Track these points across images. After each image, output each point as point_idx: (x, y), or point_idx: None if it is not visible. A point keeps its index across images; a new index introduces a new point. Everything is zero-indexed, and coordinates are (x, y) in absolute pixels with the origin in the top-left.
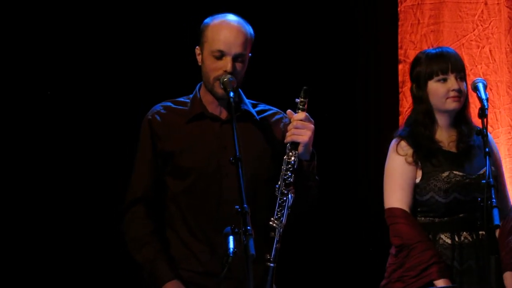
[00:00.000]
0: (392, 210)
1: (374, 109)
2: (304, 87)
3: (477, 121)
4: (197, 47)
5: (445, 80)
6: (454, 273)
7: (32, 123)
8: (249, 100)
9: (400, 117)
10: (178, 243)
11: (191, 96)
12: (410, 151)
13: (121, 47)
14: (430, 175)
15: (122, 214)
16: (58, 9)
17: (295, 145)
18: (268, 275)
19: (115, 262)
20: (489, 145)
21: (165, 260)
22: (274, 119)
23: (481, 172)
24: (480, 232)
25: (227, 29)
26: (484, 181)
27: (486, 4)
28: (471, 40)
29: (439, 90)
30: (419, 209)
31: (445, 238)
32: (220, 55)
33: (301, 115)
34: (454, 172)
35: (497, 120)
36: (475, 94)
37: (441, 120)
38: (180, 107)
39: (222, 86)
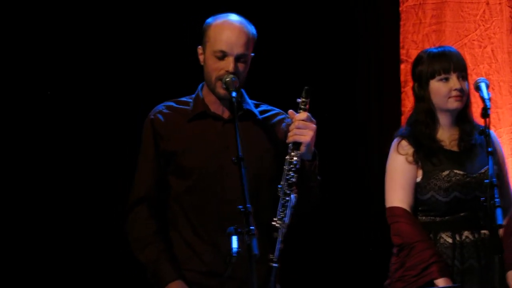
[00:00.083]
0: (393, 209)
1: (376, 109)
2: (306, 87)
3: (479, 121)
4: (199, 46)
5: (447, 79)
6: (455, 272)
7: (32, 123)
8: (251, 101)
9: (402, 117)
10: (181, 243)
11: (193, 95)
12: (410, 150)
13: (123, 47)
14: (430, 174)
15: (125, 214)
16: (58, 9)
17: (297, 145)
18: (272, 275)
19: (117, 262)
20: (492, 144)
21: (168, 260)
22: (276, 119)
23: (482, 170)
24: (482, 231)
25: (229, 29)
26: (487, 181)
27: (488, 4)
28: (473, 40)
29: (441, 90)
30: (420, 208)
31: (446, 237)
32: (222, 56)
33: (303, 115)
34: (455, 171)
35: (499, 119)
36: (477, 94)
37: (443, 119)
38: (182, 106)
39: (224, 86)
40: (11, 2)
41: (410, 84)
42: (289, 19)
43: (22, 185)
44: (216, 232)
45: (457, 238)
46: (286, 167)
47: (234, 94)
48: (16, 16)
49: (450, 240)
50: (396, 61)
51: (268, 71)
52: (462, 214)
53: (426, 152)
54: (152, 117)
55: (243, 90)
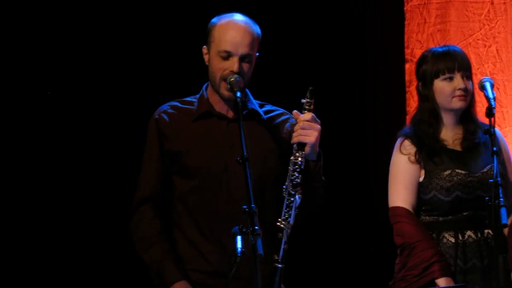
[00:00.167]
0: (395, 209)
1: (381, 108)
2: (310, 88)
3: (484, 120)
4: (204, 46)
5: (451, 78)
6: (458, 272)
7: (32, 123)
8: (256, 101)
9: (407, 116)
10: (186, 243)
11: (198, 95)
12: (413, 150)
13: (125, 47)
14: (432, 173)
15: (129, 214)
16: (59, 9)
17: (301, 145)
18: (276, 276)
19: (119, 262)
20: (498, 143)
21: (172, 261)
22: (280, 119)
23: (485, 170)
24: (486, 231)
25: (234, 29)
26: (492, 180)
27: (492, 3)
28: (478, 39)
29: (445, 89)
30: (423, 208)
31: (449, 237)
32: (227, 55)
33: (308, 115)
34: (457, 170)
35: (504, 119)
36: (482, 93)
37: (447, 119)
38: (187, 106)
39: (229, 86)
40: (11, 2)
41: (415, 83)
42: (294, 19)
43: (23, 185)
44: (221, 232)
45: (460, 237)
46: (290, 168)
47: (238, 94)
48: (16, 16)
49: (452, 240)
50: (401, 60)
51: (273, 71)
52: (465, 213)
53: (429, 151)
54: (157, 117)
55: (247, 90)
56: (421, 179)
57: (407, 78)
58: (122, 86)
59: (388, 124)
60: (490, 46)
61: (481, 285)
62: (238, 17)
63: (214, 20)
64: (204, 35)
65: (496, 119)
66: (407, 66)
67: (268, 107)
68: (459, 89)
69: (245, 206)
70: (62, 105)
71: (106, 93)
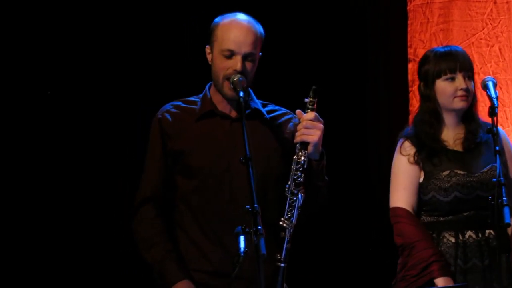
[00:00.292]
0: (396, 209)
1: (384, 108)
2: (313, 87)
3: (487, 119)
4: (207, 46)
5: (453, 79)
6: (458, 271)
7: (32, 123)
8: (259, 100)
9: (410, 116)
10: (188, 243)
11: (201, 95)
12: (412, 151)
13: (126, 48)
14: (431, 174)
15: (131, 214)
16: (59, 9)
17: (304, 145)
18: (279, 275)
19: (119, 262)
20: (500, 142)
21: (174, 261)
22: (283, 119)
23: (485, 170)
24: (487, 231)
25: (237, 28)
26: (495, 179)
27: (495, 2)
28: (481, 39)
29: (447, 89)
30: (424, 208)
31: (449, 237)
32: (230, 54)
33: (310, 114)
34: (455, 170)
35: (507, 118)
36: (484, 92)
37: (448, 119)
38: (190, 106)
39: (232, 86)
40: (11, 2)
41: (418, 83)
42: (297, 19)
43: (23, 185)
44: (223, 232)
45: (460, 237)
46: (293, 167)
47: (241, 93)
48: (16, 16)
49: (453, 240)
50: (404, 60)
51: (276, 70)
52: (465, 213)
53: (428, 152)
54: (160, 116)
55: (250, 90)
56: (421, 179)
57: (409, 77)
58: (122, 86)
59: (391, 124)
60: (493, 46)
61: (482, 285)
62: (241, 16)
63: (217, 19)
64: (204, 35)
65: (499, 118)
66: (410, 65)
67: (271, 106)
68: (461, 89)
69: (248, 206)
70: (62, 105)
71: (106, 93)
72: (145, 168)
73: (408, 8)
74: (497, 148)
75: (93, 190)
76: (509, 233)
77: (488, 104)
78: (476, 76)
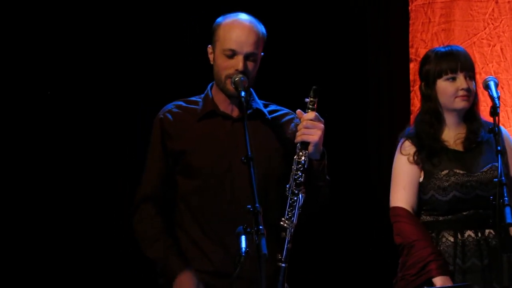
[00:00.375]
0: (395, 209)
1: (385, 108)
2: (314, 87)
3: (488, 119)
4: (209, 46)
5: (454, 79)
6: (457, 271)
7: (32, 123)
8: (260, 101)
9: (412, 116)
10: (188, 243)
11: (202, 95)
12: (412, 150)
13: (126, 48)
14: (430, 174)
15: (131, 212)
16: (59, 9)
17: (305, 144)
18: (280, 275)
19: (120, 262)
20: (502, 142)
21: (175, 255)
22: (285, 119)
23: (485, 169)
24: (487, 231)
25: (239, 28)
26: (496, 179)
27: (497, 2)
28: (482, 39)
29: (448, 89)
30: (424, 208)
31: (448, 236)
32: (232, 54)
33: (311, 114)
34: (454, 170)
35: (508, 118)
36: (486, 92)
37: (449, 119)
38: (191, 106)
39: (233, 86)
40: (11, 2)
41: (419, 83)
42: (299, 18)
43: (23, 185)
44: (224, 232)
45: (459, 237)
46: (294, 167)
47: (243, 94)
48: (16, 16)
49: (452, 239)
50: (405, 60)
51: (277, 71)
52: (464, 213)
53: (428, 152)
54: (161, 116)
55: (252, 90)
56: (421, 179)
57: (411, 77)
58: (123, 86)
59: (392, 124)
60: (494, 45)
61: (481, 285)
62: (243, 16)
63: (219, 19)
64: (204, 35)
65: (500, 118)
66: (411, 65)
67: (272, 107)
68: (462, 89)
69: (249, 206)
70: (62, 105)
71: (106, 93)
72: (146, 168)
73: (409, 8)
74: (498, 148)
75: (93, 190)
76: (511, 233)
77: (490, 104)
78: (477, 76)
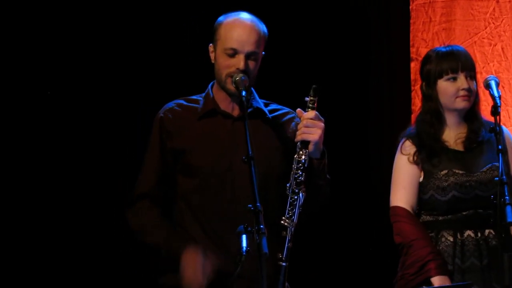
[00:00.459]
0: (395, 208)
1: (386, 107)
2: (314, 86)
3: (489, 119)
4: (210, 44)
5: (454, 79)
6: (456, 270)
7: (32, 123)
8: (261, 100)
9: (413, 115)
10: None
11: (203, 94)
12: (413, 150)
13: (126, 48)
14: (430, 174)
15: (127, 208)
16: (59, 9)
17: (305, 143)
18: (281, 274)
19: (120, 262)
20: (503, 141)
21: (177, 236)
22: (285, 118)
23: (484, 169)
24: (487, 231)
25: (240, 27)
26: (497, 178)
27: (498, 2)
28: (483, 38)
29: (449, 89)
30: (424, 208)
31: (448, 236)
32: (233, 53)
33: (311, 113)
34: (454, 170)
35: (509, 117)
36: (487, 92)
37: (450, 119)
38: (192, 104)
39: (234, 85)
40: (11, 2)
41: (420, 82)
42: (300, 17)
43: (23, 185)
44: (224, 231)
45: (459, 236)
46: (294, 166)
47: (244, 93)
48: (16, 16)
49: (451, 239)
50: (406, 59)
51: (278, 70)
52: (464, 213)
53: (428, 152)
54: (162, 115)
55: (252, 89)
56: (421, 179)
57: (412, 77)
58: (123, 86)
59: (393, 123)
60: (495, 45)
61: (481, 285)
62: (245, 15)
63: (220, 18)
64: (204, 35)
65: (501, 117)
66: (412, 64)
67: (273, 106)
68: (463, 89)
69: (250, 205)
70: (62, 105)
71: (106, 93)
72: (142, 168)
73: (410, 7)
74: (499, 147)
75: (93, 189)
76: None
77: (491, 103)
78: (478, 75)
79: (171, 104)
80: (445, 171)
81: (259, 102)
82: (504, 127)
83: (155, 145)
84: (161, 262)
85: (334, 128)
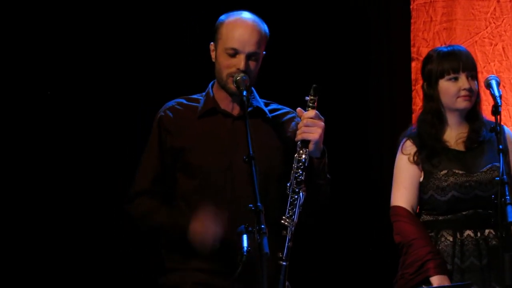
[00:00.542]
0: (395, 208)
1: (386, 107)
2: (314, 85)
3: (490, 118)
4: (211, 43)
5: (456, 79)
6: (455, 270)
7: (32, 123)
8: (261, 99)
9: (413, 115)
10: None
11: (204, 93)
12: (413, 150)
13: (126, 48)
14: (430, 174)
15: (124, 205)
16: (59, 9)
17: (305, 143)
18: (281, 274)
19: (117, 262)
20: (504, 141)
21: (180, 213)
22: (286, 118)
23: (484, 169)
24: (487, 231)
25: (241, 27)
26: (498, 178)
27: (498, 1)
28: (484, 38)
29: (450, 89)
30: (424, 207)
31: (447, 235)
32: (234, 53)
33: (311, 113)
34: (454, 170)
35: (510, 117)
36: (488, 91)
37: (451, 119)
38: (193, 103)
39: (235, 85)
40: (11, 2)
41: (421, 82)
42: (301, 17)
43: (23, 185)
44: (224, 231)
45: (458, 236)
46: (294, 165)
47: (244, 93)
48: (16, 16)
49: (450, 239)
50: (407, 59)
51: (279, 69)
52: (464, 213)
53: (429, 152)
54: (162, 114)
55: (253, 89)
56: (421, 179)
57: (413, 76)
58: (123, 86)
59: (393, 123)
60: (496, 44)
61: (480, 285)
62: (246, 15)
63: (222, 17)
64: (204, 35)
65: (502, 117)
66: (413, 64)
67: (273, 105)
68: (464, 89)
69: (251, 205)
70: (62, 105)
71: (106, 93)
72: (139, 168)
73: (411, 7)
74: (500, 146)
75: (93, 189)
76: None
77: (492, 103)
78: (479, 75)
79: (172, 102)
80: (444, 171)
81: (259, 102)
82: (505, 127)
83: (153, 144)
84: (169, 239)
85: (335, 127)
